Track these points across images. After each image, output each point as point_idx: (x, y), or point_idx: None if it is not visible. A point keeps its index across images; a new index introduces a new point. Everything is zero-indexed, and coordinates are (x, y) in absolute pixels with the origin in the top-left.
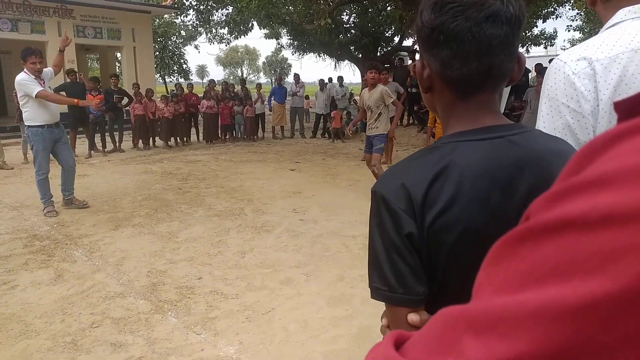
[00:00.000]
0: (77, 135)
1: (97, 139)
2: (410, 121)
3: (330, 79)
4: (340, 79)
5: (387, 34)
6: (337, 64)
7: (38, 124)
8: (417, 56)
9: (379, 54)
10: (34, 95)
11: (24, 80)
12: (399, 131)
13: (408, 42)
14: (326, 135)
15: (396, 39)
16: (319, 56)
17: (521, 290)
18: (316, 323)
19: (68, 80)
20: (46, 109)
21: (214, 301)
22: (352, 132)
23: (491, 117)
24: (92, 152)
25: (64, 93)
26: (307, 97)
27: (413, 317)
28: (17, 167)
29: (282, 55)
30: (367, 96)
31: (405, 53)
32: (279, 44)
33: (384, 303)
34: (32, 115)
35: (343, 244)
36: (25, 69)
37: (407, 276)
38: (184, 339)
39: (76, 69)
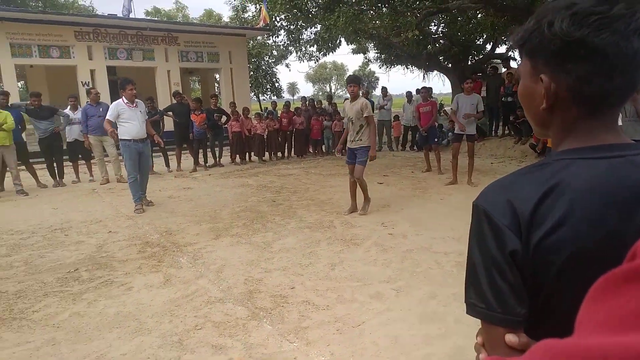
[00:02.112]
0: (182, 152)
1: (200, 154)
2: (506, 132)
3: (417, 90)
4: (428, 90)
5: (477, 42)
6: (425, 75)
7: (126, 138)
8: (516, 65)
9: (469, 62)
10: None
11: (114, 104)
12: (494, 142)
13: (501, 50)
14: (414, 147)
15: (488, 47)
16: (407, 68)
17: (626, 331)
18: (407, 340)
19: (174, 101)
20: (132, 127)
21: (306, 311)
22: (442, 145)
23: (613, 134)
24: (197, 166)
25: (170, 113)
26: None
27: (511, 339)
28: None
29: (370, 69)
30: (349, 108)
31: (499, 61)
32: (366, 58)
33: (479, 320)
34: (122, 131)
35: (434, 260)
36: (123, 96)
37: (507, 295)
38: (278, 347)
39: (181, 91)
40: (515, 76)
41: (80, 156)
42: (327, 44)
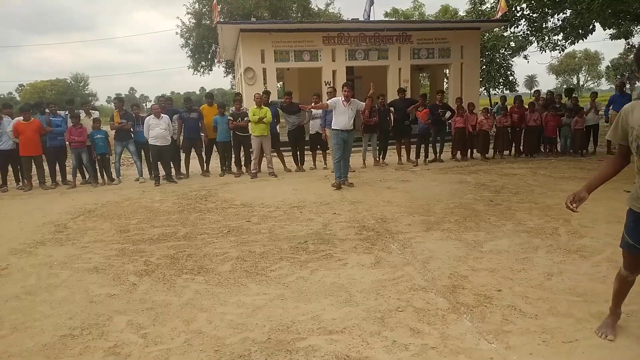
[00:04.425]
0: (402, 146)
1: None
2: None
3: None
4: None
5: None
6: None
7: (334, 128)
8: None
9: None
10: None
11: (335, 98)
12: None
13: None
14: None
15: None
16: None
17: None
18: None
19: (397, 97)
20: (342, 120)
21: (510, 315)
22: None
23: None
24: (419, 160)
25: (392, 108)
26: None
27: None
28: (358, 170)
29: (632, 57)
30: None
31: None
32: (628, 44)
33: None
34: (334, 122)
35: None
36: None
37: None
38: (475, 344)
39: (407, 88)
40: None
41: (318, 147)
42: (576, 30)
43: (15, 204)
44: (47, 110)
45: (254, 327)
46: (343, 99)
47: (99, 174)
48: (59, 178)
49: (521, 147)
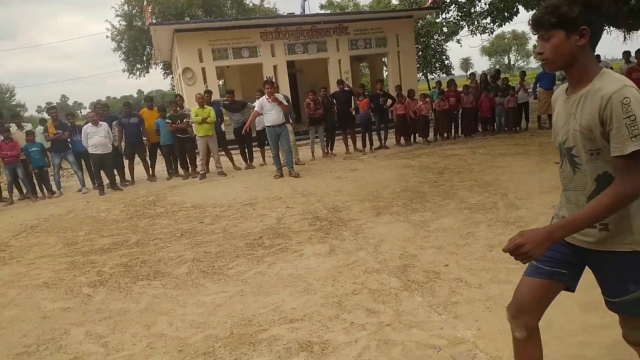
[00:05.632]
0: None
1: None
2: None
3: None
4: (625, 54)
5: None
6: (627, 36)
7: (266, 125)
8: None
9: None
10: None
11: (260, 99)
12: None
13: None
14: None
15: None
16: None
17: None
18: (562, 325)
19: (337, 89)
20: (270, 116)
21: (457, 287)
22: None
23: None
24: (366, 149)
25: (334, 100)
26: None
27: None
28: (307, 162)
29: None
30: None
31: None
32: None
33: None
34: (265, 119)
35: None
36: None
37: None
38: (427, 316)
39: (348, 79)
40: None
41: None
42: (502, 14)
43: None
44: None
45: (216, 324)
46: (267, 97)
47: (37, 187)
48: None
49: (459, 129)
